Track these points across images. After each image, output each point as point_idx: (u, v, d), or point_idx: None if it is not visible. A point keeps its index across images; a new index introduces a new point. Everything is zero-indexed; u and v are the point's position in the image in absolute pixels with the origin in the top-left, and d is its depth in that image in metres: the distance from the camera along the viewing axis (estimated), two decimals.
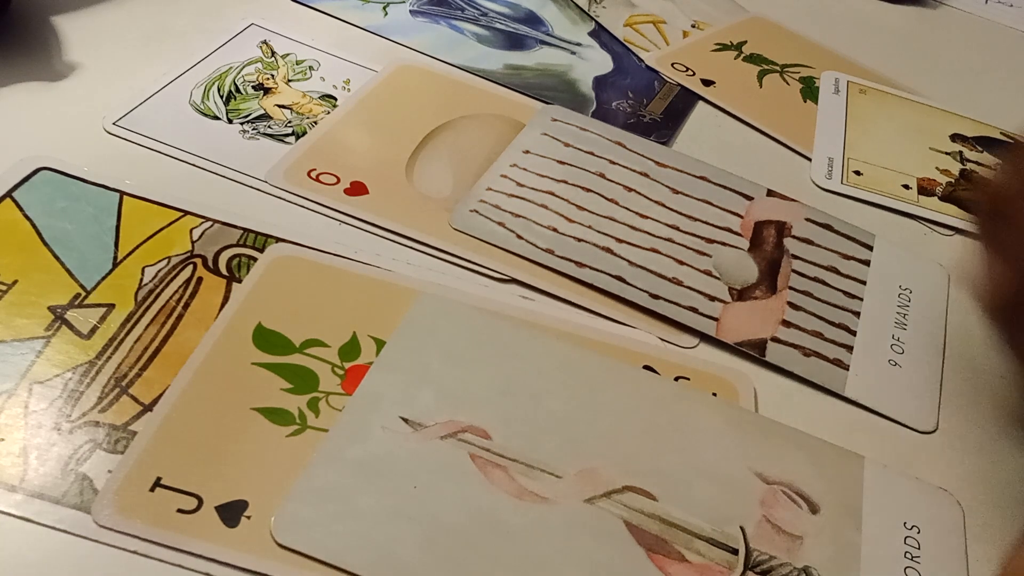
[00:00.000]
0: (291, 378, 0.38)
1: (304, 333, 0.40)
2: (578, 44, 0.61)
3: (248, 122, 0.50)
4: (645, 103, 0.57)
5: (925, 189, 0.54)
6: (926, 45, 0.69)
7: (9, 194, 0.43)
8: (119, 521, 0.33)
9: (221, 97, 0.51)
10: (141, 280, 0.41)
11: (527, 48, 0.59)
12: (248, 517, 0.33)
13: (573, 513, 0.35)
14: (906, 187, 0.54)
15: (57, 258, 0.41)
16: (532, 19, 0.62)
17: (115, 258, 0.41)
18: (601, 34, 0.62)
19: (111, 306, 0.40)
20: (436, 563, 0.33)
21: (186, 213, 0.44)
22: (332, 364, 0.39)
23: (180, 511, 0.33)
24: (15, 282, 0.40)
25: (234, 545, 0.33)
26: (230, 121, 0.49)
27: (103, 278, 0.41)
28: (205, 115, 0.49)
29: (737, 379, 0.42)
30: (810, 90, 0.61)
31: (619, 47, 0.61)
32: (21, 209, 0.43)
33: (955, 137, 0.59)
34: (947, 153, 0.57)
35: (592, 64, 0.60)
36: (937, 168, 0.56)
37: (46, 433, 0.35)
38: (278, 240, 0.43)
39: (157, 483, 0.34)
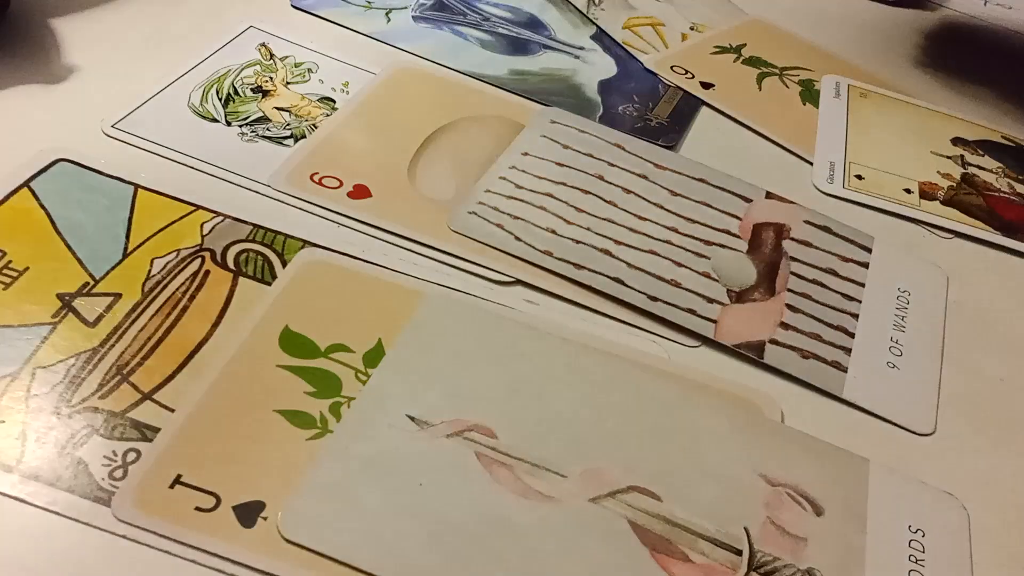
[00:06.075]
0: (315, 382, 0.38)
1: (330, 338, 0.40)
2: (581, 48, 0.61)
3: (247, 125, 0.49)
4: (651, 107, 0.57)
5: (927, 193, 0.54)
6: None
7: (27, 184, 0.44)
8: (137, 515, 0.33)
9: (220, 100, 0.51)
10: (149, 271, 0.41)
11: (531, 53, 0.59)
12: (264, 518, 0.34)
13: (578, 512, 0.35)
14: (908, 191, 0.54)
15: (69, 247, 0.42)
16: (534, 23, 0.62)
17: (125, 249, 0.42)
18: (603, 38, 0.62)
19: (118, 295, 0.40)
20: (441, 560, 0.33)
21: (198, 207, 0.44)
22: (356, 369, 0.39)
23: (198, 509, 0.33)
24: (27, 269, 0.40)
25: (249, 545, 0.33)
26: (228, 124, 0.49)
27: (112, 268, 0.41)
28: (204, 118, 0.49)
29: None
30: (809, 93, 0.61)
31: (621, 50, 0.61)
32: (37, 198, 0.43)
33: (956, 141, 0.59)
34: (948, 157, 0.57)
35: (596, 68, 0.60)
36: (939, 172, 0.56)
37: (46, 417, 0.35)
38: (288, 237, 0.44)
39: (177, 480, 0.34)
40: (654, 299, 0.44)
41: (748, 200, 0.51)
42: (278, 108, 0.51)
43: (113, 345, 0.38)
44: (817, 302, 0.46)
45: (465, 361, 0.40)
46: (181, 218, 0.44)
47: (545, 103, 0.55)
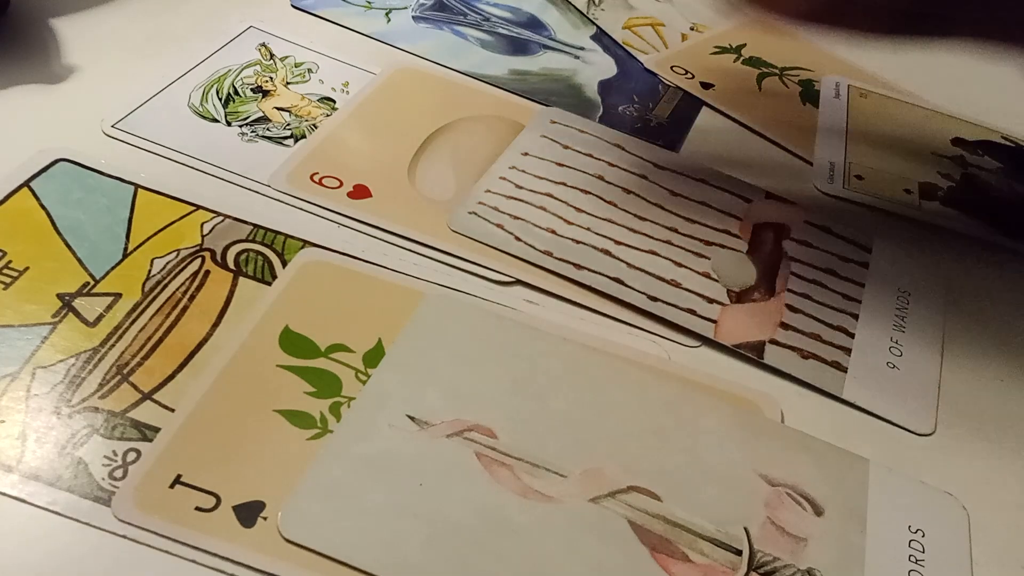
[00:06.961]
0: (315, 382, 0.38)
1: (330, 338, 0.40)
2: (581, 48, 0.61)
3: (247, 124, 0.49)
4: (651, 107, 0.57)
5: (927, 193, 0.54)
6: (927, 48, 0.69)
7: (27, 184, 0.44)
8: (137, 515, 0.33)
9: (220, 100, 0.51)
10: (150, 271, 0.41)
11: (531, 53, 0.59)
12: (264, 518, 0.34)
13: (578, 512, 0.35)
14: (908, 191, 0.54)
15: (69, 247, 0.42)
16: (534, 23, 0.62)
17: (125, 249, 0.42)
18: (603, 38, 0.62)
19: (118, 295, 0.40)
20: (441, 560, 0.33)
21: (198, 207, 0.44)
22: (356, 369, 0.39)
23: (198, 509, 0.34)
24: (27, 268, 0.41)
25: (249, 545, 0.33)
26: (228, 124, 0.49)
27: (112, 268, 0.41)
28: (204, 118, 0.49)
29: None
30: (809, 93, 0.61)
31: (621, 51, 0.61)
32: (37, 198, 0.44)
33: (956, 141, 0.59)
34: (949, 157, 0.57)
35: (596, 68, 0.60)
36: (939, 172, 0.56)
37: (46, 417, 0.36)
38: (288, 237, 0.44)
39: (177, 480, 0.34)
40: (654, 299, 0.44)
41: (748, 200, 0.51)
42: (278, 108, 0.51)
43: (113, 345, 0.38)
44: (817, 302, 0.46)
45: (465, 361, 0.40)
46: (181, 218, 0.44)
47: (545, 103, 0.55)
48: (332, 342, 0.40)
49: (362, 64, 0.55)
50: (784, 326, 0.44)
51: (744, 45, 0.64)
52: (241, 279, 0.42)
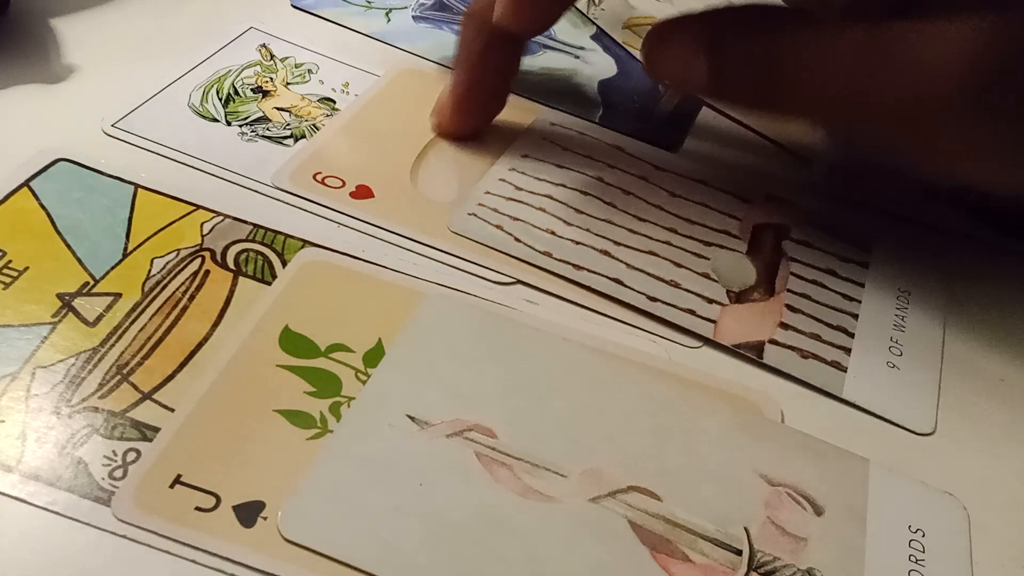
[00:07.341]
0: (315, 382, 0.38)
1: (330, 337, 0.40)
2: (581, 48, 0.61)
3: (247, 124, 0.50)
4: (651, 107, 0.57)
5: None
6: None
7: (27, 183, 0.44)
8: (137, 515, 0.33)
9: (220, 100, 0.51)
10: (149, 271, 0.41)
11: (531, 52, 0.59)
12: (264, 518, 0.34)
13: (578, 512, 0.35)
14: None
15: (69, 247, 0.42)
16: None
17: (125, 249, 0.42)
18: (603, 37, 0.62)
19: (118, 295, 0.40)
20: (441, 560, 0.33)
21: (198, 207, 0.44)
22: (356, 369, 0.39)
23: (198, 509, 0.34)
24: (26, 268, 0.41)
25: (249, 545, 0.33)
26: (228, 124, 0.49)
27: (112, 268, 0.41)
28: (204, 117, 0.49)
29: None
30: None
31: (621, 51, 0.61)
32: (37, 198, 0.44)
33: None
34: None
35: (596, 68, 0.59)
36: None
37: (46, 417, 0.36)
38: (288, 237, 0.44)
39: (177, 480, 0.34)
40: (653, 299, 0.44)
41: (748, 201, 0.51)
42: (278, 108, 0.51)
43: (113, 345, 0.38)
44: (817, 302, 0.46)
45: (465, 361, 0.40)
46: (181, 218, 0.44)
47: (545, 103, 0.55)
48: (332, 342, 0.40)
49: (362, 65, 0.55)
50: (784, 326, 0.44)
51: None
52: (241, 279, 0.42)
